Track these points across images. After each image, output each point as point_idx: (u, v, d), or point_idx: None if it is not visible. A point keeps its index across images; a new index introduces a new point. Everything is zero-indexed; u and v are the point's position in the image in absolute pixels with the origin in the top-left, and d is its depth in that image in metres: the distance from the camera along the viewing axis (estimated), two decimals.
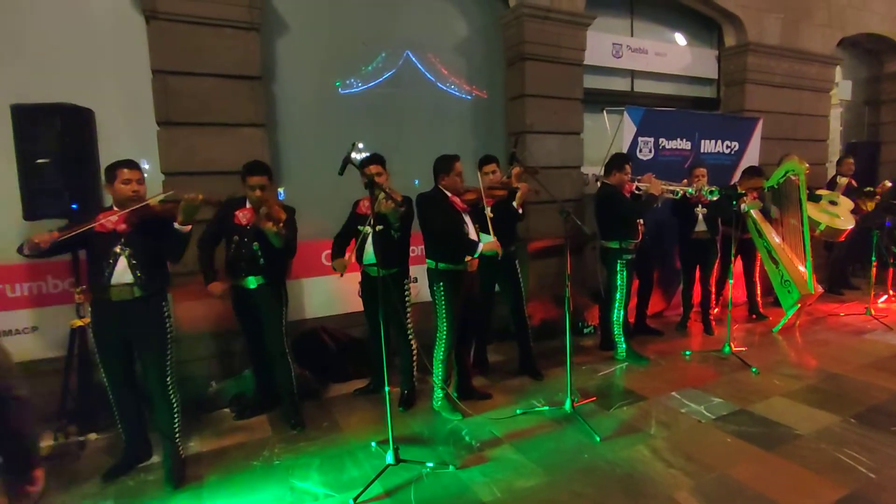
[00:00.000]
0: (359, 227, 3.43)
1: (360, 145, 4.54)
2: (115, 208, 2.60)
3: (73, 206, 2.97)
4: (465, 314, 3.42)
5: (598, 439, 2.96)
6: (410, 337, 3.55)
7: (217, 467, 2.84)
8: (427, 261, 3.35)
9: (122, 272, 2.56)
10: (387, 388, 2.72)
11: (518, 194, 3.52)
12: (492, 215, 3.28)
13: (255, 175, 3.06)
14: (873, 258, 5.51)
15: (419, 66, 4.76)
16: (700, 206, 4.70)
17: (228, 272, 3.19)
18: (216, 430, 3.29)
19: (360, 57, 4.51)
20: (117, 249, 2.56)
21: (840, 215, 5.41)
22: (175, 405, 2.78)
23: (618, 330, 4.26)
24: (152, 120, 3.62)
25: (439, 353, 3.35)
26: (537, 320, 4.72)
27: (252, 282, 3.13)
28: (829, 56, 6.91)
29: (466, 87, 4.98)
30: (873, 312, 5.23)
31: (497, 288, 4.00)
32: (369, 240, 3.35)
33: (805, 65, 6.65)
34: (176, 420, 2.79)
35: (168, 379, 2.74)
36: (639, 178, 4.22)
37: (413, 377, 3.60)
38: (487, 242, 3.19)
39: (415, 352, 3.56)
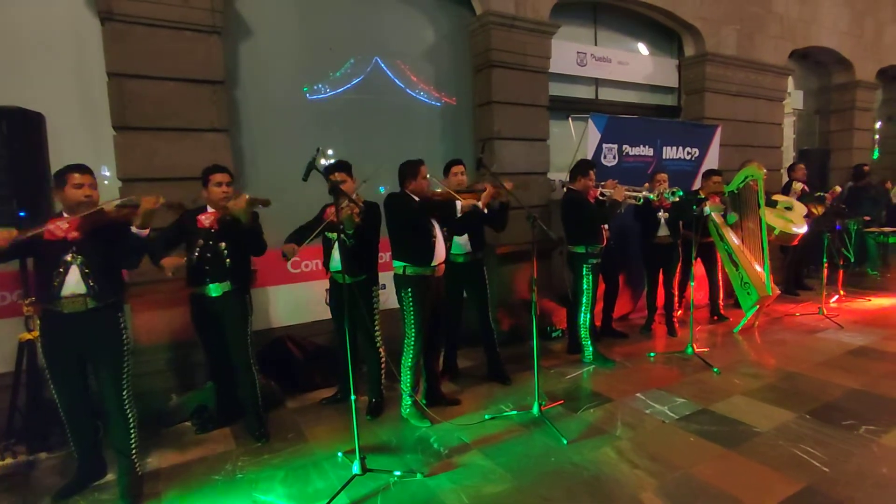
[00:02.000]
0: (326, 233, 3.39)
1: (330, 151, 4.51)
2: (66, 214, 2.49)
3: (21, 213, 2.84)
4: (434, 320, 3.41)
5: (565, 442, 2.99)
6: (378, 345, 3.51)
7: (177, 483, 2.74)
8: (394, 264, 3.32)
9: (75, 282, 2.44)
10: (353, 397, 2.68)
11: (483, 195, 3.49)
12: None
13: (218, 172, 3.04)
14: (825, 260, 5.76)
15: (388, 72, 4.75)
16: (662, 210, 4.82)
17: (190, 280, 3.10)
18: (177, 445, 3.17)
19: (328, 62, 4.48)
20: (68, 258, 2.44)
21: (794, 220, 5.62)
22: (131, 420, 2.67)
23: (584, 333, 4.32)
24: (108, 124, 3.50)
25: (407, 359, 3.33)
26: (505, 325, 4.75)
27: (216, 289, 3.05)
28: (782, 67, 7.22)
29: (435, 94, 4.99)
30: (825, 312, 5.46)
31: (464, 293, 4.01)
32: (335, 246, 3.31)
33: (760, 75, 6.92)
34: (132, 436, 2.68)
35: (124, 393, 2.63)
36: (602, 183, 4.31)
37: (381, 385, 3.56)
38: (464, 200, 3.17)
39: (383, 360, 3.52)
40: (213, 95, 3.76)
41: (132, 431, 2.67)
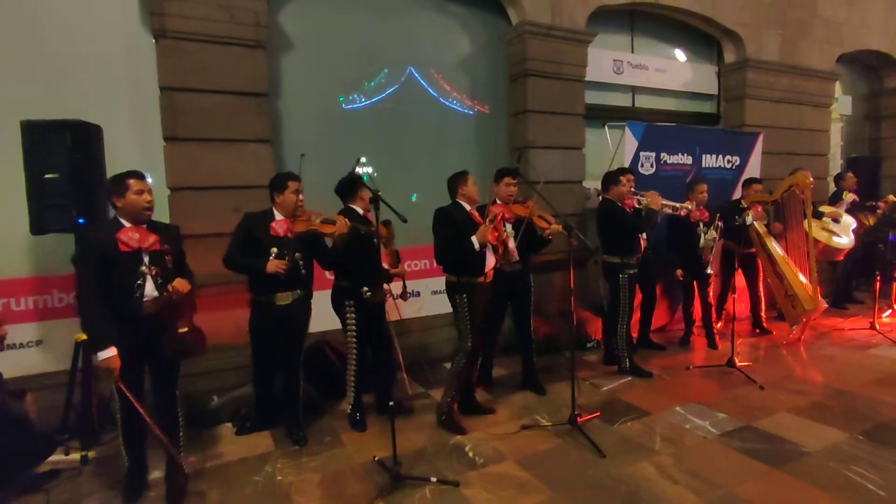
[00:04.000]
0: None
1: (363, 160, 4.59)
2: (124, 221, 2.55)
3: (80, 220, 3.00)
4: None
5: (602, 455, 2.94)
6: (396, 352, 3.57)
7: (218, 483, 2.82)
8: (445, 273, 3.36)
9: (150, 289, 2.53)
10: (391, 402, 2.71)
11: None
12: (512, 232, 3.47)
13: (296, 180, 3.11)
14: (877, 273, 5.50)
15: (422, 81, 4.83)
16: (701, 224, 4.70)
17: (258, 287, 3.13)
18: (218, 446, 3.27)
19: (363, 73, 4.58)
20: (143, 268, 2.51)
21: (839, 233, 5.40)
22: (181, 419, 2.77)
23: (621, 344, 4.24)
24: (158, 135, 3.67)
25: (459, 364, 3.33)
26: (540, 335, 4.71)
27: (287, 297, 3.11)
28: (829, 72, 6.97)
29: (469, 103, 5.04)
30: (878, 327, 5.20)
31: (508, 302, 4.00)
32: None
33: (804, 80, 6.71)
34: (180, 434, 2.78)
35: (177, 392, 2.74)
36: (641, 193, 4.24)
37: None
38: (478, 232, 3.18)
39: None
40: (257, 107, 3.89)
41: (181, 430, 2.77)
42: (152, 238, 2.54)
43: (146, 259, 2.51)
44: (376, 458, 2.93)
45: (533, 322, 4.00)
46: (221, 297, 3.63)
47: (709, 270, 4.77)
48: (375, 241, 2.88)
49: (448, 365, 3.44)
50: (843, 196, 6.02)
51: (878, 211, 5.89)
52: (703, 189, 4.69)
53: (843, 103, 7.87)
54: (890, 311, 5.88)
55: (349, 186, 3.45)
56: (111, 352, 2.39)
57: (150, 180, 3.71)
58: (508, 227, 3.68)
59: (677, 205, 4.45)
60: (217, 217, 3.70)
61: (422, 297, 4.57)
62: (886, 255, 5.85)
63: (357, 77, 4.57)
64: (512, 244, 3.64)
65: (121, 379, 2.44)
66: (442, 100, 4.94)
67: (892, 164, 8.09)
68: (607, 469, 2.82)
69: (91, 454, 3.12)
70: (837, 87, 7.44)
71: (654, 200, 4.09)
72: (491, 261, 3.31)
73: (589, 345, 4.97)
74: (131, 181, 2.52)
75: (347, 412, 3.51)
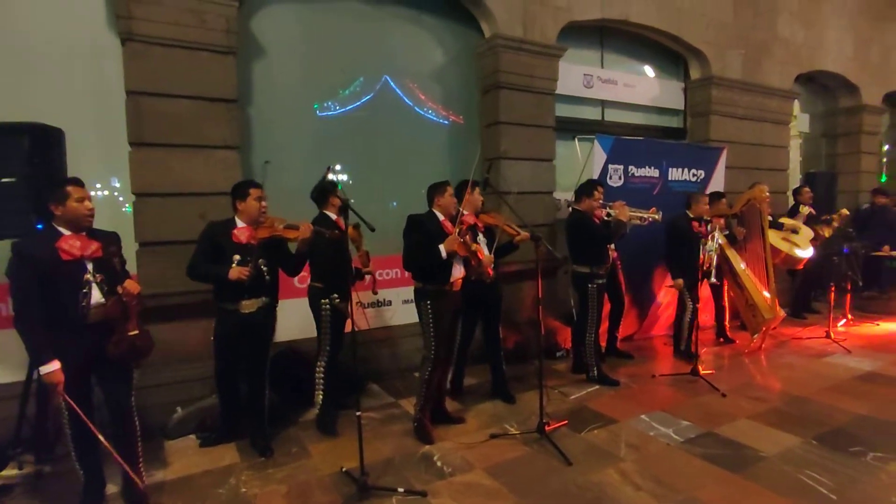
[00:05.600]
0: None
1: (337, 167, 4.60)
2: (63, 229, 2.45)
3: (39, 226, 2.90)
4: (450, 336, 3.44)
5: (569, 463, 2.97)
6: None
7: (182, 496, 2.76)
8: (414, 281, 3.37)
9: (97, 296, 2.46)
10: (359, 413, 2.69)
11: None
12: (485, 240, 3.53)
13: (258, 187, 3.10)
14: (831, 284, 5.74)
15: (397, 91, 4.86)
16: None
17: (222, 295, 3.08)
18: (181, 458, 3.19)
19: (338, 80, 4.59)
20: (88, 276, 2.44)
21: (799, 244, 5.63)
22: (138, 431, 2.70)
23: (589, 353, 4.32)
24: (124, 140, 3.59)
25: (425, 373, 3.33)
26: (510, 343, 4.75)
27: (253, 304, 3.07)
28: (788, 90, 7.28)
29: (444, 113, 5.09)
30: (833, 336, 5.42)
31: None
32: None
33: (765, 98, 6.98)
34: (138, 447, 2.70)
35: (132, 402, 2.66)
36: (610, 204, 4.34)
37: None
38: (447, 241, 3.21)
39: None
40: (226, 113, 3.85)
41: (138, 443, 2.69)
42: (94, 245, 2.48)
43: (90, 267, 2.45)
44: (343, 469, 2.91)
45: (503, 331, 4.04)
46: (187, 306, 3.56)
47: (713, 279, 4.89)
48: (345, 247, 2.88)
49: (417, 374, 3.43)
50: (800, 209, 6.28)
51: (833, 224, 6.15)
52: (705, 201, 4.88)
53: (801, 121, 8.22)
54: (844, 320, 6.13)
55: (321, 193, 3.49)
56: (54, 365, 2.31)
57: (117, 184, 3.77)
58: (481, 236, 3.72)
59: (644, 214, 4.57)
60: (184, 224, 3.64)
61: (393, 306, 4.57)
62: (841, 266, 6.11)
63: (332, 85, 4.58)
64: (487, 253, 3.67)
65: (66, 393, 2.36)
66: (417, 109, 4.98)
67: (847, 179, 8.47)
68: (573, 476, 2.86)
69: (46, 469, 3.01)
70: (796, 105, 7.76)
71: (622, 212, 4.19)
72: (458, 271, 3.33)
73: (558, 354, 5.04)
74: (71, 188, 2.45)
75: (316, 414, 3.49)
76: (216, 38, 3.76)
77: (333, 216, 3.48)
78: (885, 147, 9.66)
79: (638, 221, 4.54)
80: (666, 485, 2.77)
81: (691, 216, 4.83)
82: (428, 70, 5.02)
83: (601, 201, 4.37)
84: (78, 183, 2.49)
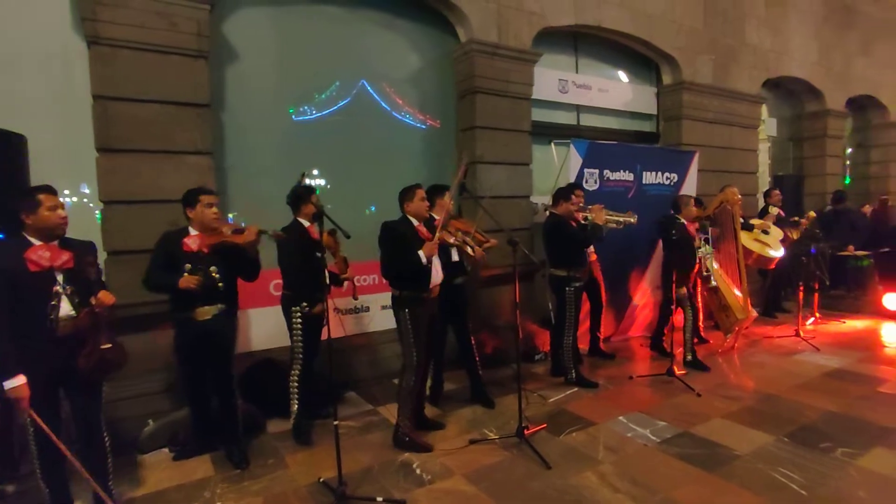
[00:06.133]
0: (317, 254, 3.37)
1: (315, 172, 4.56)
2: (33, 239, 2.37)
3: (0, 235, 2.80)
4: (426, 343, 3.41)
5: (548, 467, 2.98)
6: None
7: None
8: (391, 288, 3.34)
9: (67, 309, 2.37)
10: (336, 422, 2.66)
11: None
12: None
13: (208, 194, 3.03)
14: (800, 283, 5.90)
15: (374, 95, 4.85)
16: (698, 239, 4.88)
17: (177, 304, 3.02)
18: (153, 472, 3.10)
19: (314, 84, 4.56)
20: (57, 288, 2.36)
21: (770, 244, 5.78)
22: (108, 447, 2.61)
23: (567, 356, 4.34)
24: (91, 146, 3.49)
25: (408, 384, 3.28)
26: (489, 348, 4.75)
27: (208, 311, 3.00)
28: (756, 95, 7.48)
29: (421, 117, 5.09)
30: (802, 334, 5.56)
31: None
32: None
33: (734, 103, 7.16)
34: (108, 463, 2.61)
35: (102, 417, 2.58)
36: (589, 207, 4.38)
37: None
38: (425, 246, 3.20)
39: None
40: (198, 118, 3.78)
41: (108, 458, 2.61)
42: (65, 256, 2.40)
43: (60, 278, 2.37)
44: (321, 480, 2.86)
45: (482, 336, 4.04)
46: (157, 316, 3.47)
47: (713, 283, 4.97)
48: (319, 254, 2.84)
49: (396, 381, 3.39)
50: (769, 210, 6.44)
51: (801, 226, 6.32)
52: (693, 203, 4.91)
53: (769, 125, 8.46)
54: (813, 318, 6.31)
55: (295, 199, 3.46)
56: (19, 380, 2.23)
57: (86, 190, 3.66)
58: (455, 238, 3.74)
59: (620, 218, 4.63)
60: (154, 232, 3.48)
61: (371, 311, 4.53)
62: (809, 266, 6.30)
63: (308, 89, 4.54)
64: (456, 257, 3.69)
65: (32, 408, 2.28)
66: (395, 113, 4.97)
67: (813, 182, 8.74)
68: (552, 480, 2.87)
69: (10, 488, 2.89)
70: (764, 109, 7.99)
71: (598, 215, 4.24)
72: (437, 276, 3.32)
73: (537, 357, 5.06)
74: (42, 196, 2.37)
75: (291, 424, 3.45)
76: (187, 42, 3.69)
77: (306, 223, 3.44)
78: (849, 150, 10.00)
79: (614, 225, 4.59)
80: (643, 486, 2.80)
81: (681, 219, 4.81)
82: (405, 74, 5.02)
83: (581, 204, 4.42)
84: (50, 191, 2.42)
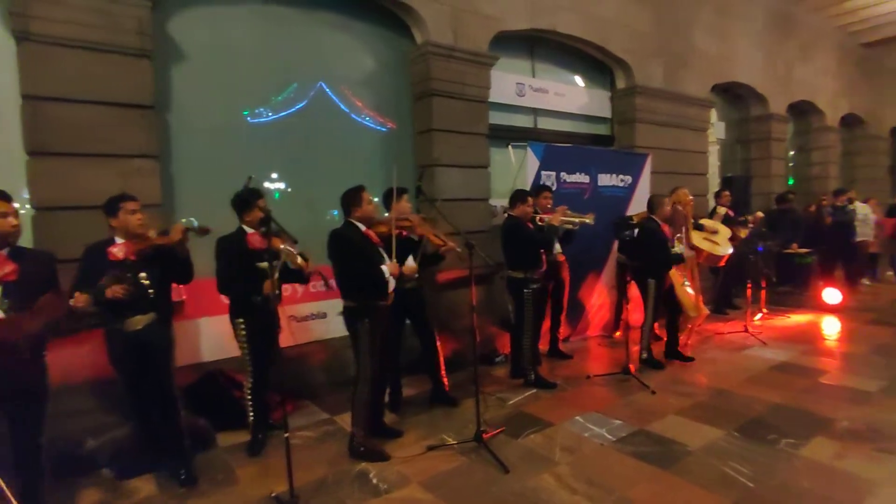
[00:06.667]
0: (256, 264, 3.26)
1: (275, 175, 4.44)
2: None
3: None
4: (382, 351, 3.35)
5: (506, 471, 2.97)
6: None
7: None
8: (344, 299, 3.24)
9: None
10: (286, 434, 2.57)
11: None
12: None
13: (130, 200, 2.87)
14: (748, 281, 6.13)
15: (333, 97, 4.78)
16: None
17: (107, 314, 2.85)
18: (94, 494, 2.92)
19: (270, 86, 4.45)
20: None
21: (720, 243, 5.98)
22: (43, 470, 2.45)
23: (527, 357, 4.36)
24: (20, 149, 3.28)
25: (362, 396, 3.20)
26: (448, 351, 4.72)
27: (138, 321, 2.85)
28: (705, 99, 7.75)
29: (381, 120, 5.05)
30: (750, 330, 5.78)
31: (408, 321, 3.98)
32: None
33: (685, 106, 7.40)
34: (42, 487, 2.45)
35: (42, 439, 2.43)
36: (551, 210, 4.42)
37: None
38: (389, 265, 3.18)
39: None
40: (141, 120, 3.61)
41: (43, 481, 2.45)
42: (10, 267, 2.25)
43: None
44: (273, 495, 2.77)
45: (441, 338, 4.02)
46: (95, 330, 3.27)
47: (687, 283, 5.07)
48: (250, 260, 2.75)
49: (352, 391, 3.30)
50: (717, 210, 6.68)
51: (749, 225, 6.58)
52: (668, 202, 4.90)
53: (718, 128, 8.78)
54: (760, 314, 6.57)
55: (240, 204, 3.33)
56: None
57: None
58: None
59: (576, 220, 4.68)
60: (87, 240, 3.34)
61: (328, 318, 4.43)
62: (757, 264, 6.56)
63: (264, 91, 4.43)
64: (412, 262, 3.66)
65: None
66: (353, 116, 4.91)
67: (760, 182, 9.13)
68: (510, 484, 2.86)
69: None
70: (713, 113, 8.29)
71: (554, 217, 4.29)
72: (393, 282, 3.27)
73: (497, 359, 5.07)
74: None
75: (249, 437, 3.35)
76: (128, 40, 3.53)
77: (250, 230, 3.30)
78: (791, 153, 10.50)
79: (570, 226, 4.64)
80: (599, 486, 2.82)
81: (657, 220, 4.85)
82: (362, 76, 4.96)
83: (549, 206, 4.48)
84: (3, 197, 2.28)
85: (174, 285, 3.17)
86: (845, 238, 7.91)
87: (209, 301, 3.83)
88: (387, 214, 3.77)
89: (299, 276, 3.45)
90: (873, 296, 7.86)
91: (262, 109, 4.45)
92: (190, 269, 3.03)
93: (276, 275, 3.19)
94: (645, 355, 4.89)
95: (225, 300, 3.59)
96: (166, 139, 3.93)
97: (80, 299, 2.56)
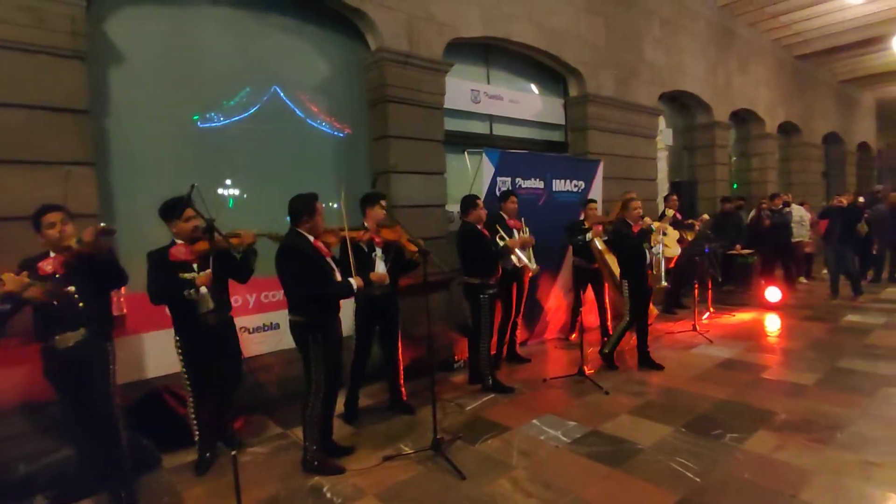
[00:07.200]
0: (181, 274, 3.11)
1: (229, 181, 4.32)
2: None
3: None
4: (335, 363, 3.28)
5: (462, 478, 2.97)
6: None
7: None
8: (293, 314, 3.13)
9: None
10: (234, 452, 2.48)
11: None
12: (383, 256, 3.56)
13: (50, 212, 2.70)
14: (695, 281, 6.38)
15: (288, 102, 4.70)
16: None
17: (39, 332, 2.71)
18: None
19: (222, 91, 4.35)
20: None
21: (669, 245, 6.19)
22: None
23: (484, 363, 4.39)
24: None
25: (314, 411, 3.11)
26: (407, 359, 4.69)
27: (68, 339, 2.69)
28: (653, 108, 8.05)
29: (338, 125, 4.99)
30: (698, 329, 6.01)
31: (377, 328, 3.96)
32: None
33: (635, 114, 7.66)
34: None
35: None
36: (510, 240, 4.48)
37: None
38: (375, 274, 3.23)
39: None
40: (75, 125, 3.43)
41: None
42: None
43: None
44: None
45: (400, 345, 3.99)
46: (31, 349, 3.08)
47: (663, 283, 5.14)
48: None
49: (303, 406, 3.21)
50: (665, 213, 6.92)
51: (696, 227, 6.85)
52: (637, 206, 4.88)
53: (666, 135, 9.13)
54: (708, 313, 6.84)
55: (165, 214, 3.18)
56: None
57: None
58: (378, 251, 3.71)
59: (525, 260, 4.54)
60: (23, 253, 3.14)
61: (281, 329, 4.31)
62: (703, 265, 6.83)
63: (215, 95, 4.30)
64: (383, 268, 3.63)
65: None
66: (309, 121, 4.83)
67: (705, 187, 9.54)
68: (467, 491, 2.86)
69: None
70: (661, 121, 8.61)
71: (512, 242, 4.42)
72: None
73: (456, 365, 5.07)
74: None
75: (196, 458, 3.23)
76: (58, 40, 3.34)
77: (179, 241, 3.15)
78: (734, 158, 11.03)
79: (516, 262, 4.55)
80: (555, 488, 2.86)
81: (629, 221, 4.85)
82: (317, 81, 4.90)
83: (514, 209, 4.64)
84: None
85: (115, 299, 3.03)
86: (783, 239, 8.35)
87: (153, 315, 3.65)
88: (366, 223, 3.77)
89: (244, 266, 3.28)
90: (809, 294, 8.33)
91: (213, 114, 4.31)
92: (114, 271, 2.84)
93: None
94: (606, 350, 4.95)
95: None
96: (105, 145, 3.75)
97: (35, 291, 2.47)
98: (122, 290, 3.30)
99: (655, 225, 6.36)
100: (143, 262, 3.09)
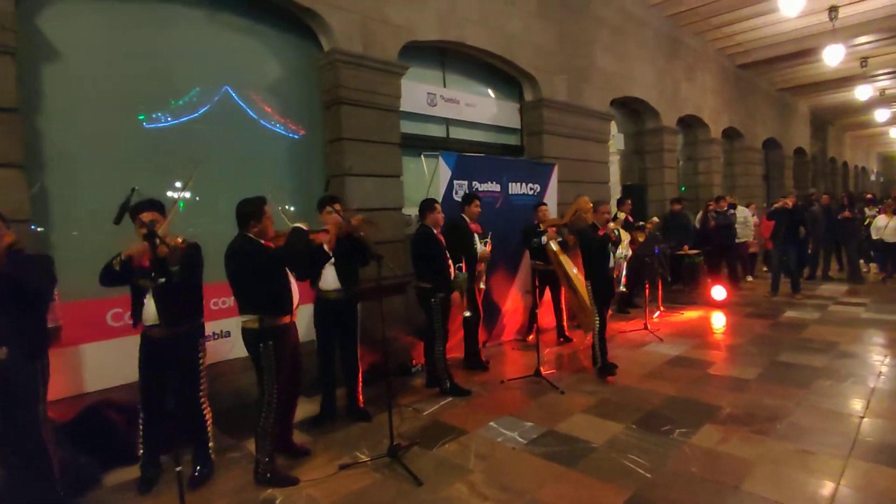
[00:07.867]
0: (139, 280, 2.98)
1: (179, 184, 4.13)
2: None
3: None
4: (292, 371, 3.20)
5: (419, 484, 2.95)
6: (204, 406, 3.15)
7: None
8: (245, 318, 3.02)
9: None
10: (178, 468, 2.37)
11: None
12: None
13: None
14: (646, 281, 6.60)
15: (240, 102, 4.57)
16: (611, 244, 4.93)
17: None
18: None
19: (169, 90, 4.18)
20: None
21: (620, 247, 6.38)
22: None
23: (440, 366, 4.38)
24: None
25: (267, 422, 3.02)
26: (364, 364, 4.63)
27: None
28: (605, 113, 8.27)
29: (292, 127, 4.89)
30: (649, 327, 6.21)
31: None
32: (149, 295, 2.94)
33: (587, 119, 7.85)
34: None
35: None
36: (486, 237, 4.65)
37: (209, 451, 3.19)
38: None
39: (209, 422, 3.19)
40: (1, 125, 3.21)
41: None
42: None
43: None
44: None
45: (359, 351, 3.94)
46: None
47: (622, 288, 5.19)
48: (158, 281, 2.54)
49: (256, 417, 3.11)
50: (618, 215, 7.12)
51: (646, 229, 7.09)
52: (605, 209, 4.88)
53: (618, 140, 9.41)
54: (658, 312, 7.09)
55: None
56: None
57: None
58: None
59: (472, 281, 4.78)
60: None
61: (232, 336, 4.18)
62: (653, 265, 7.07)
63: (162, 94, 4.13)
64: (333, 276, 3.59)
65: None
66: (262, 122, 4.71)
67: (654, 190, 9.88)
68: (423, 497, 2.84)
69: None
70: (613, 125, 8.86)
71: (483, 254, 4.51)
72: (296, 296, 3.15)
73: (413, 369, 5.04)
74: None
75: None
76: None
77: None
78: (681, 162, 11.48)
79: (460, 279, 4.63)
80: (511, 490, 2.88)
81: (597, 224, 4.83)
82: (269, 82, 4.78)
83: (478, 213, 4.74)
84: None
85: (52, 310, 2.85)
86: (727, 239, 8.75)
87: (91, 325, 3.47)
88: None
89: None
90: (752, 291, 8.76)
91: (159, 114, 4.14)
92: (32, 282, 2.59)
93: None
94: (599, 364, 4.74)
95: (114, 322, 3.28)
96: (38, 146, 3.54)
97: None
98: (57, 299, 3.12)
99: (613, 226, 6.58)
100: (81, 270, 2.92)
